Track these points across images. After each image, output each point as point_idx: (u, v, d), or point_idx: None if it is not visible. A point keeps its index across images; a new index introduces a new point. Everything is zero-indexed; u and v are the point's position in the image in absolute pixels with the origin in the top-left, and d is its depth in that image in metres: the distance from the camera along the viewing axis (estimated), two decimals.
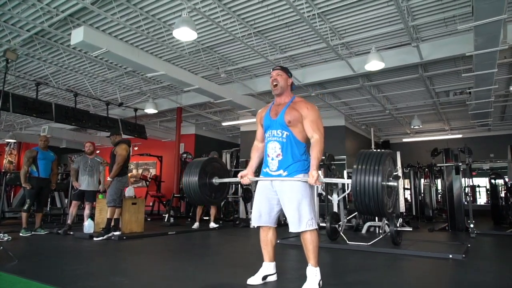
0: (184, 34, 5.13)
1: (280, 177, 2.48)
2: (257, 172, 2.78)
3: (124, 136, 9.81)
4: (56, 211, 8.73)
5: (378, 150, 2.25)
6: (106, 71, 8.32)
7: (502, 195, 9.01)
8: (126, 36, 6.63)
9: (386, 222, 4.47)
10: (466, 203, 7.01)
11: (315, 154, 2.42)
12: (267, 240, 2.63)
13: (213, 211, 6.92)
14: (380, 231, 4.44)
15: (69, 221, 5.91)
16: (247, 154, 12.65)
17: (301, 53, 7.44)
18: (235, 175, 9.22)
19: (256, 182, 2.70)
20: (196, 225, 6.70)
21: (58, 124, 9.30)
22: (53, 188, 6.34)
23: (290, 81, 2.66)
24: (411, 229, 4.48)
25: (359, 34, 6.60)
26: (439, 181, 11.20)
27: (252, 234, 6.50)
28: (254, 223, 2.65)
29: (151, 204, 11.26)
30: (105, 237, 5.09)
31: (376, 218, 6.21)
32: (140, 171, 13.93)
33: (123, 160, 5.28)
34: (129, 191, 5.90)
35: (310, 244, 2.44)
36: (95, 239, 5.07)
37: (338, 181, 2.69)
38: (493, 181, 8.97)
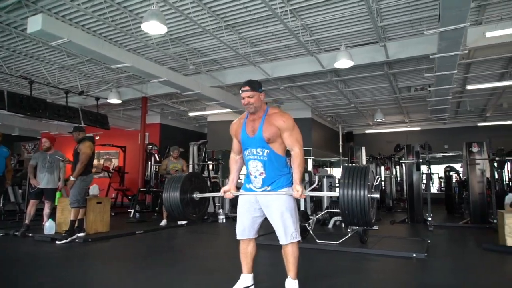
0: (154, 27, 4.90)
1: (265, 192, 2.48)
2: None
3: (84, 126, 9.41)
4: (10, 207, 8.20)
5: (362, 165, 2.32)
6: (66, 58, 7.81)
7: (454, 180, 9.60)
8: (88, 24, 6.23)
9: None
10: (424, 190, 7.41)
11: (296, 167, 2.42)
12: (247, 253, 2.63)
13: None
14: (349, 230, 4.60)
15: (26, 221, 5.57)
16: (214, 145, 12.69)
17: (272, 48, 7.39)
18: (203, 169, 9.06)
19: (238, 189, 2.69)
20: (163, 222, 6.57)
21: None
22: (8, 186, 5.92)
23: (263, 96, 2.60)
24: (377, 228, 4.66)
25: (330, 31, 6.65)
26: (397, 170, 11.75)
27: (221, 231, 6.50)
28: (238, 236, 2.63)
29: (113, 196, 10.92)
30: (68, 240, 4.85)
31: None
32: (101, 161, 13.39)
33: (87, 159, 5.02)
34: (93, 189, 5.65)
35: (291, 256, 2.48)
36: (57, 242, 4.82)
37: (324, 194, 2.73)
38: (447, 173, 9.55)
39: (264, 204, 2.52)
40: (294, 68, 8.11)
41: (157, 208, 8.63)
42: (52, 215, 5.64)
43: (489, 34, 5.64)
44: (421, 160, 6.78)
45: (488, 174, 6.60)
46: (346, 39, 6.95)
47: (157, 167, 9.78)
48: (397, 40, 7.01)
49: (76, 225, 5.02)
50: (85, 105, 10.65)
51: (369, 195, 2.13)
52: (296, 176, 2.41)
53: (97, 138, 13.09)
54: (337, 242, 4.52)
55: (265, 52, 7.73)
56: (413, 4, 5.74)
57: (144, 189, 8.70)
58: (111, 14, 5.84)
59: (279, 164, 2.50)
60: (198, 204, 2.91)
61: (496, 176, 7.26)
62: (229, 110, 10.64)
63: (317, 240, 4.67)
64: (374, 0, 5.42)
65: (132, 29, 6.28)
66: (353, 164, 2.50)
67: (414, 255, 3.93)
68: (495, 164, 6.60)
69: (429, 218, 6.30)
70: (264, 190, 2.51)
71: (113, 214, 8.35)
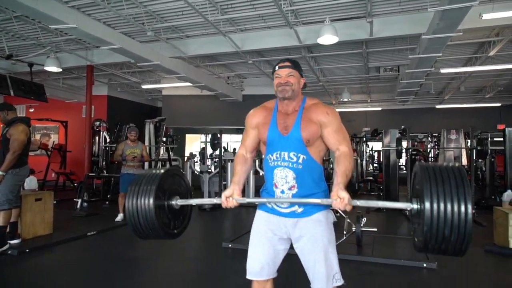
0: None
1: (292, 199, 1.76)
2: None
3: (14, 96, 7.87)
4: None
5: (450, 164, 1.62)
6: None
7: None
8: None
9: (348, 220, 4.13)
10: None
11: (343, 168, 1.70)
12: None
13: None
14: (344, 232, 4.08)
15: None
16: (171, 122, 11.56)
17: (244, 16, 6.47)
18: (168, 151, 8.01)
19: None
20: (120, 216, 5.60)
21: None
22: None
23: (303, 82, 1.87)
24: (376, 229, 4.21)
25: (312, 1, 5.90)
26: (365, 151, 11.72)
27: (199, 225, 5.77)
28: (251, 276, 1.89)
29: (53, 175, 9.56)
30: None
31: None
32: (38, 136, 11.67)
33: (21, 147, 3.89)
34: (30, 183, 4.53)
35: None
36: None
37: (390, 205, 1.91)
38: (413, 156, 9.51)
39: (297, 234, 1.81)
40: (267, 41, 7.29)
41: (108, 196, 7.56)
42: None
43: (485, 16, 5.25)
44: (403, 148, 6.47)
45: (464, 161, 6.46)
46: (329, 12, 6.25)
47: (107, 147, 8.57)
48: (381, 17, 6.45)
49: (7, 230, 3.95)
50: (15, 71, 8.99)
51: (472, 211, 1.47)
52: (340, 179, 1.68)
53: (31, 110, 11.35)
54: None
55: (236, 21, 6.80)
56: None
57: (93, 174, 7.53)
58: None
59: (316, 176, 1.80)
60: (177, 216, 2.04)
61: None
62: (188, 84, 9.60)
63: None
64: None
65: None
66: (436, 164, 1.73)
67: (425, 264, 3.49)
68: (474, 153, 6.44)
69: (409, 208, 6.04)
70: (293, 212, 1.79)
71: (54, 202, 7.19)
